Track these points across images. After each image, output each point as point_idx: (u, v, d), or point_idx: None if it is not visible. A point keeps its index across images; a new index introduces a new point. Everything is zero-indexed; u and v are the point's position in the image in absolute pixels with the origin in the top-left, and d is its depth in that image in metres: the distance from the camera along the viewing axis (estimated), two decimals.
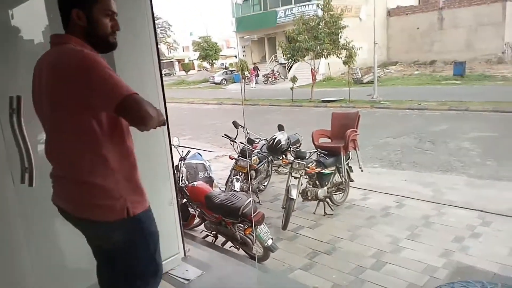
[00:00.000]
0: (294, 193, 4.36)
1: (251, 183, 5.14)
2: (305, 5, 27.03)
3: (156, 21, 2.67)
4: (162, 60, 55.54)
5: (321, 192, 4.72)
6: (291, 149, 4.70)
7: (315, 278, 3.45)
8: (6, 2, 2.17)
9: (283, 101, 18.70)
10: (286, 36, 21.28)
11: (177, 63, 59.28)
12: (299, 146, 6.07)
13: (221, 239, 3.95)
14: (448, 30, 28.83)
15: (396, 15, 31.91)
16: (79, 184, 1.56)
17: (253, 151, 5.46)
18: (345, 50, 16.94)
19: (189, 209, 4.19)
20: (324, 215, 4.83)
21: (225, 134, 5.28)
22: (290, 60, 18.81)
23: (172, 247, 2.67)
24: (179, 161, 4.34)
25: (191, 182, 4.15)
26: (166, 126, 2.72)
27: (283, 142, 4.68)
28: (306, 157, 4.68)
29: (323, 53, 17.52)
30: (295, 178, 4.57)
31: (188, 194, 3.95)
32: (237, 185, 4.87)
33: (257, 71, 30.25)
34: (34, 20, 2.26)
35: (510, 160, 6.88)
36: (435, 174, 6.55)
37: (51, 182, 1.67)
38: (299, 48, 17.26)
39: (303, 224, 4.63)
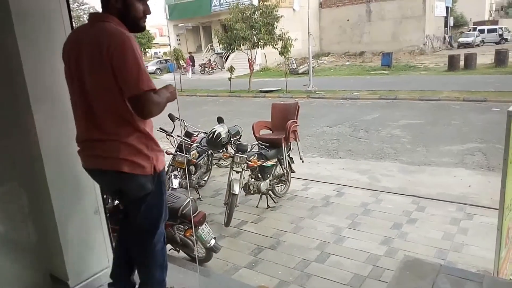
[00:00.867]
0: (236, 188, 4.18)
1: (190, 179, 4.87)
2: None
3: (80, 6, 2.31)
4: None
5: (264, 185, 4.60)
6: (232, 142, 4.51)
7: (261, 276, 3.33)
8: None
9: (221, 92, 18.43)
10: (222, 25, 20.94)
11: None
12: (239, 138, 5.90)
13: None
14: (376, 22, 30.43)
15: (327, 7, 32.95)
16: (117, 143, 1.78)
17: (191, 145, 5.17)
18: (281, 41, 17.04)
19: None
20: (267, 208, 4.73)
21: (160, 128, 4.89)
22: (227, 49, 18.48)
23: (101, 261, 2.35)
24: None
25: None
26: None
27: (223, 135, 4.47)
28: (248, 150, 4.52)
29: (259, 43, 17.47)
30: (237, 172, 4.40)
31: None
32: (175, 182, 4.58)
33: (193, 61, 29.53)
34: None
35: (437, 145, 7.34)
36: (370, 161, 6.78)
37: (80, 147, 1.90)
38: (236, 37, 17.02)
39: (246, 219, 4.48)
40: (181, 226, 3.26)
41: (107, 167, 1.83)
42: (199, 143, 5.33)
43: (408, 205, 4.67)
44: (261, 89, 17.24)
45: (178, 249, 3.44)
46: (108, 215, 2.62)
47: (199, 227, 3.21)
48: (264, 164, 4.66)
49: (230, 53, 20.66)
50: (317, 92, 15.55)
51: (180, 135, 5.03)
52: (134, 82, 1.60)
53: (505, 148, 2.03)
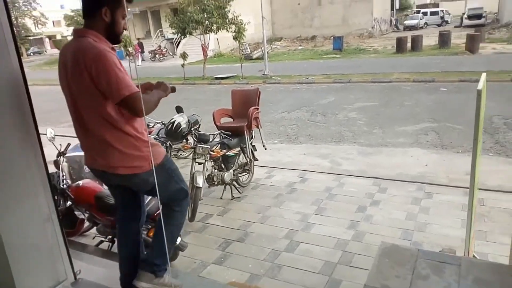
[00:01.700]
0: (200, 181, 4.00)
1: None
2: None
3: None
4: (28, 36, 48.83)
5: (228, 175, 4.45)
6: (193, 133, 4.29)
7: (231, 271, 3.21)
8: None
9: (174, 79, 17.81)
10: (173, 9, 20.12)
11: (47, 40, 52.47)
12: (198, 127, 5.67)
13: None
14: (326, 5, 30.76)
15: None
16: (111, 149, 1.93)
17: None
18: (234, 25, 16.71)
19: (76, 212, 3.52)
20: (232, 199, 4.60)
21: None
22: (179, 34, 17.78)
23: (57, 273, 2.10)
24: (58, 156, 3.60)
25: (75, 181, 3.48)
26: (31, 117, 2.10)
27: (183, 126, 4.22)
28: (210, 140, 4.33)
29: (212, 27, 17.01)
30: (200, 164, 4.20)
31: (72, 197, 3.29)
32: None
33: (142, 47, 28.32)
34: None
35: (392, 126, 7.55)
36: (330, 145, 6.84)
37: (82, 149, 2.07)
38: (189, 20, 16.40)
39: (211, 211, 4.33)
40: (144, 225, 3.04)
41: (107, 169, 1.99)
42: (156, 135, 5.05)
43: (370, 187, 4.74)
44: (216, 76, 16.89)
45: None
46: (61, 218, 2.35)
47: None
48: (227, 153, 4.50)
49: (181, 38, 19.86)
50: (273, 77, 15.49)
51: None
52: (115, 89, 1.75)
53: (475, 127, 2.02)
